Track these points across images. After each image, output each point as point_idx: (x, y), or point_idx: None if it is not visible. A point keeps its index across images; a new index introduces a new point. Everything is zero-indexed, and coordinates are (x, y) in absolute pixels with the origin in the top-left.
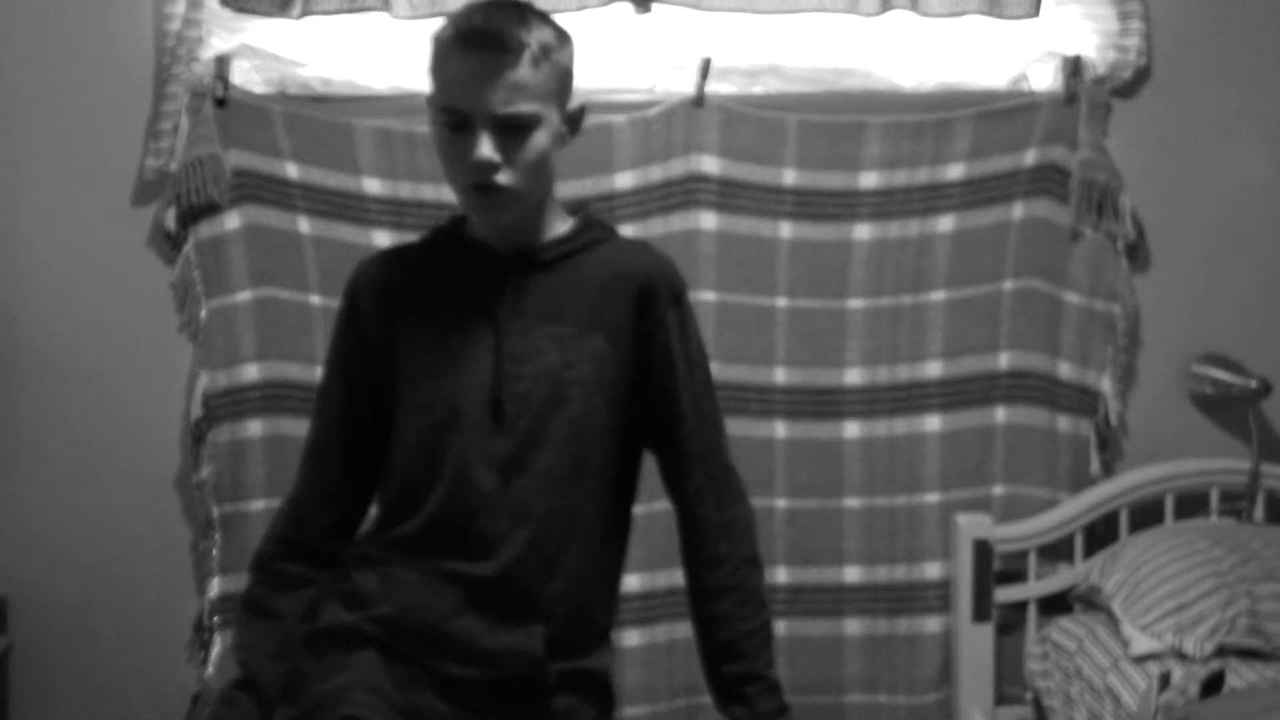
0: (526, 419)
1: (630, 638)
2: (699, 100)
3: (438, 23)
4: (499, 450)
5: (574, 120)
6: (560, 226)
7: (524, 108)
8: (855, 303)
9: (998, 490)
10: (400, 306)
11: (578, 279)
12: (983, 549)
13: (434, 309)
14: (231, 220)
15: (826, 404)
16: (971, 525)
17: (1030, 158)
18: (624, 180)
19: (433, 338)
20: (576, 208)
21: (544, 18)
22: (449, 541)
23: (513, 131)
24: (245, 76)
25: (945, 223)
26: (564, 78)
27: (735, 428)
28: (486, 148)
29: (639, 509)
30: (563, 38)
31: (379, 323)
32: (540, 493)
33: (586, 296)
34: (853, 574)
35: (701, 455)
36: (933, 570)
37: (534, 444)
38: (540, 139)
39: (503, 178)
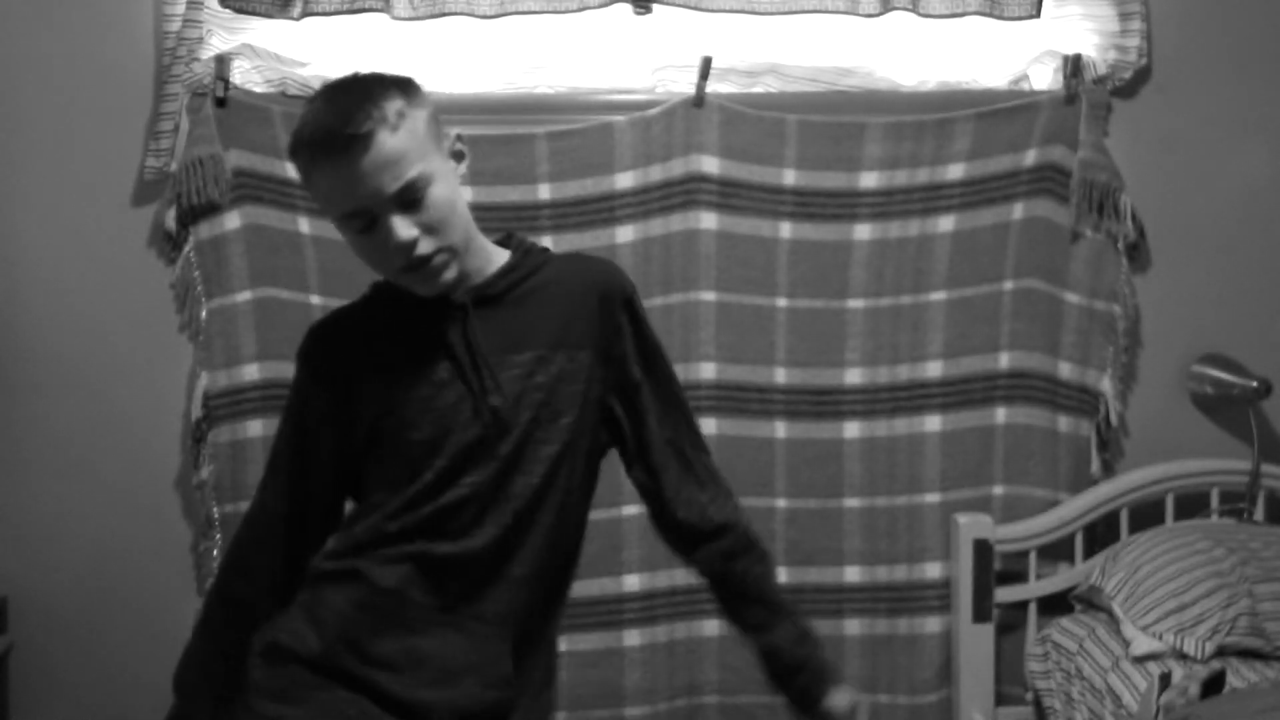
0: (506, 447)
1: (631, 638)
2: (699, 100)
3: (437, 23)
4: (481, 483)
5: (458, 155)
6: (498, 258)
7: (411, 175)
8: (855, 303)
9: (998, 490)
10: (358, 367)
11: (531, 304)
12: (983, 549)
13: (394, 363)
14: (231, 220)
15: (826, 404)
16: (971, 525)
17: (1030, 158)
18: (624, 180)
19: (399, 391)
20: (505, 237)
21: (382, 81)
22: (433, 583)
23: (412, 202)
24: (245, 76)
25: (945, 223)
26: (429, 126)
27: (735, 428)
28: (402, 229)
29: (634, 509)
30: (409, 90)
31: (337, 386)
32: (524, 520)
33: (544, 319)
34: (853, 574)
35: (673, 443)
36: (933, 570)
37: (515, 470)
38: (439, 192)
39: (425, 246)
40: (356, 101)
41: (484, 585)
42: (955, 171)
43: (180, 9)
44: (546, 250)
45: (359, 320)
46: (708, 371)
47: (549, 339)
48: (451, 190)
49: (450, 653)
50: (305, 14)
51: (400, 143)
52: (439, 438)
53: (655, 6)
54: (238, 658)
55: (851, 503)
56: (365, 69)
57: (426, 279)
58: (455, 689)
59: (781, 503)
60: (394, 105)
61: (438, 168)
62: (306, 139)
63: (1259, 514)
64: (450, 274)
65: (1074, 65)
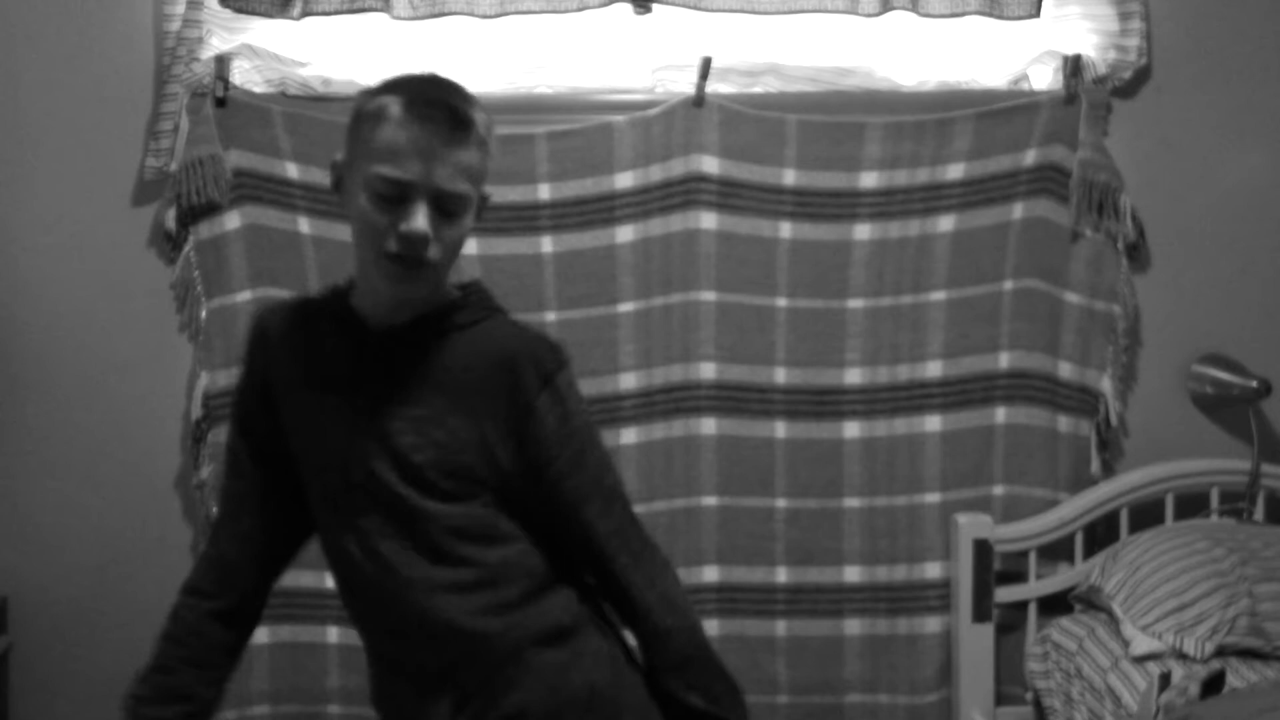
0: (379, 500)
1: (631, 637)
2: (699, 100)
3: (437, 23)
4: (364, 528)
5: (481, 208)
6: (443, 302)
7: (463, 188)
8: (855, 303)
9: (998, 490)
10: (285, 369)
11: (444, 360)
12: (983, 549)
13: (310, 380)
14: (231, 220)
15: (826, 404)
16: (971, 525)
17: (1030, 158)
18: (624, 180)
19: (307, 411)
20: (468, 284)
21: (478, 100)
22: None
23: (446, 211)
24: (245, 76)
25: (945, 223)
26: (488, 164)
27: (735, 428)
28: (423, 220)
29: (638, 509)
30: (492, 124)
31: (268, 380)
32: (397, 573)
33: (450, 378)
34: (853, 574)
35: (618, 533)
36: (933, 570)
37: (388, 524)
38: (467, 222)
39: (432, 252)
40: (465, 95)
41: (402, 638)
42: (955, 171)
43: (180, 9)
44: (492, 308)
45: (300, 322)
46: (708, 371)
47: (445, 400)
48: (469, 229)
49: (402, 701)
50: (305, 14)
51: (474, 158)
52: (329, 473)
53: (655, 6)
54: (206, 698)
55: (851, 503)
56: (367, 69)
57: (403, 277)
58: None
59: (781, 503)
60: (486, 123)
61: (474, 204)
62: (413, 90)
63: (1259, 514)
64: (421, 289)
65: (1074, 65)
